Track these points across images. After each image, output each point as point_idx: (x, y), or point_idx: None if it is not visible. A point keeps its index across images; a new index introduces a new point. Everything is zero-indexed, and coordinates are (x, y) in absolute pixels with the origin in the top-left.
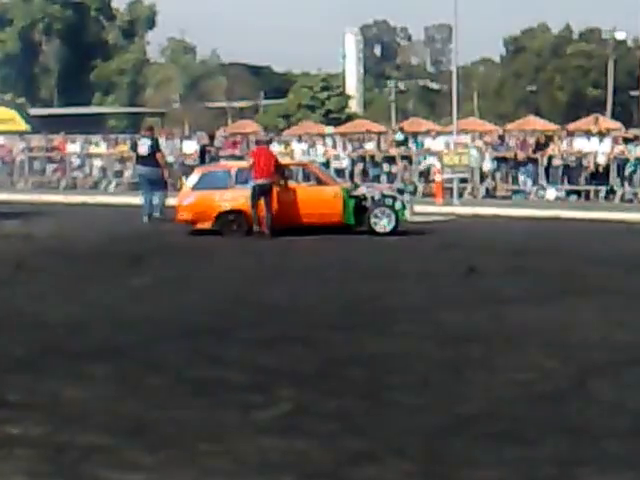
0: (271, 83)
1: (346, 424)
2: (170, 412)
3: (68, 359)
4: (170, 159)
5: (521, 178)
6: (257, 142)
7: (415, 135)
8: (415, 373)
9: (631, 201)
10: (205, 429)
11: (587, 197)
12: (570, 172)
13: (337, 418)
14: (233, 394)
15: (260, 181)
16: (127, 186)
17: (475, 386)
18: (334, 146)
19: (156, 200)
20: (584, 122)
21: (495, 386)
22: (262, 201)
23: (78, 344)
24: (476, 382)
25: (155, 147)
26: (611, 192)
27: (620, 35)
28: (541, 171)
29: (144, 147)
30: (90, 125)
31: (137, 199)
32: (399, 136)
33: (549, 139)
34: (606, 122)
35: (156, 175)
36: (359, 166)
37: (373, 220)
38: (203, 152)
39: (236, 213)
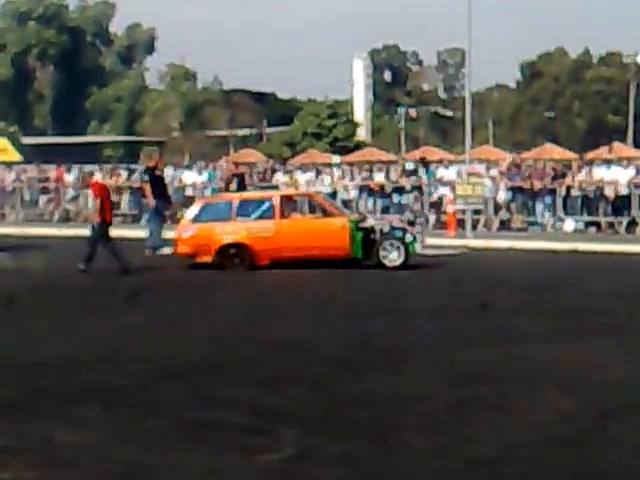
0: (276, 110)
1: (353, 469)
2: (167, 456)
3: (60, 401)
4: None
5: (538, 209)
6: (91, 174)
7: (427, 164)
8: (426, 414)
9: None
10: (204, 474)
11: (609, 228)
12: (589, 203)
13: (343, 462)
14: (234, 437)
15: (107, 220)
16: (123, 218)
17: (489, 428)
18: (341, 176)
19: (147, 233)
20: (603, 150)
21: (511, 428)
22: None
23: (70, 385)
24: (491, 424)
25: (141, 178)
26: (633, 223)
27: None
28: (559, 202)
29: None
30: (85, 154)
31: (134, 232)
32: (409, 165)
33: (567, 168)
34: (627, 150)
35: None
36: (367, 197)
37: (382, 253)
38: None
39: (238, 247)
